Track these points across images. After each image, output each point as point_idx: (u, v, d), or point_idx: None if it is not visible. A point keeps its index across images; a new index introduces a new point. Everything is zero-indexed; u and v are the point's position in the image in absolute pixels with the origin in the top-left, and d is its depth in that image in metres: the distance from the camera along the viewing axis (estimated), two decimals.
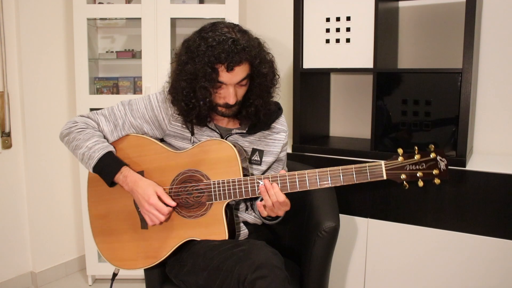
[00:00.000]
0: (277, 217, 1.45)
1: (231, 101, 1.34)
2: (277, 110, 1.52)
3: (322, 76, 2.26)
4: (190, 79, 1.33)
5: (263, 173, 1.52)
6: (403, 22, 2.16)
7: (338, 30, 1.94)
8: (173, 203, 1.37)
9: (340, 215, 1.56)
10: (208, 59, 1.28)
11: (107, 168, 1.39)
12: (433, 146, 1.27)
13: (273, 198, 1.31)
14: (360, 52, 1.90)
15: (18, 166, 2.38)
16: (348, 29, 1.92)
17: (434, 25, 2.09)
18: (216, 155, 1.38)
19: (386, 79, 1.87)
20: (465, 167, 1.71)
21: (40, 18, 2.35)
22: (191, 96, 1.35)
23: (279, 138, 1.52)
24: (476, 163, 1.80)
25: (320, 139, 2.27)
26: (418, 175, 1.27)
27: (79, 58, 2.29)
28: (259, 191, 1.33)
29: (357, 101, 2.29)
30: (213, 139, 1.39)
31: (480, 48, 1.99)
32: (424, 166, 1.27)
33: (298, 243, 1.67)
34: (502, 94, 1.97)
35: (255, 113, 1.41)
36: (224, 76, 1.30)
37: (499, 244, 1.67)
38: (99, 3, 2.39)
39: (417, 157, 1.27)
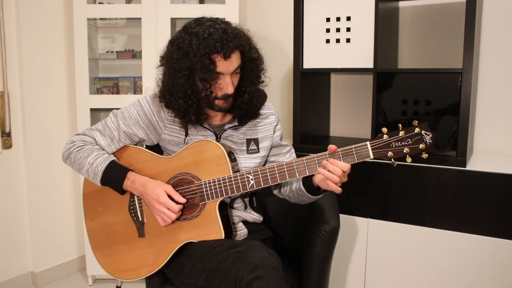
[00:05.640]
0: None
1: (230, 90, 1.35)
2: (262, 97, 1.53)
3: (322, 76, 2.26)
4: (187, 75, 1.33)
5: (265, 161, 1.54)
6: (403, 22, 2.16)
7: (338, 30, 1.94)
8: (183, 200, 1.37)
9: (340, 215, 1.56)
10: (204, 51, 1.29)
11: (114, 178, 1.41)
12: (416, 121, 1.27)
13: (338, 172, 1.27)
14: (360, 52, 1.90)
15: (18, 166, 2.38)
16: (348, 29, 1.92)
17: (434, 25, 2.09)
18: (204, 155, 1.38)
19: (386, 79, 1.87)
20: (465, 167, 1.71)
21: (40, 18, 2.35)
22: (189, 93, 1.36)
23: (269, 122, 1.53)
24: (476, 163, 1.80)
25: (320, 139, 2.27)
26: (404, 151, 1.27)
27: (79, 58, 2.29)
28: (317, 170, 1.30)
29: (357, 101, 2.29)
30: (200, 141, 1.40)
31: (480, 48, 1.98)
32: (410, 142, 1.27)
33: (298, 243, 1.67)
34: (502, 94, 1.97)
35: (249, 100, 1.43)
36: (221, 65, 1.32)
37: (499, 244, 1.67)
38: (99, 3, 2.39)
39: (401, 133, 1.27)
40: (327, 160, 1.30)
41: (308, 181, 1.41)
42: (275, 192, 1.59)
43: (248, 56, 1.39)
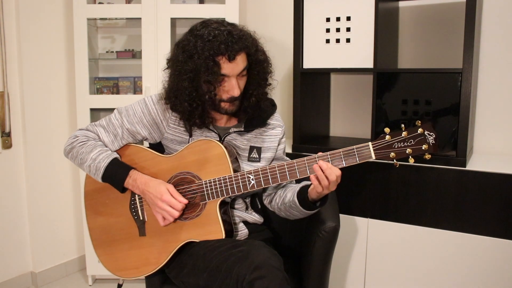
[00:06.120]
0: (325, 200, 1.41)
1: (236, 92, 1.34)
2: (272, 107, 1.52)
3: (322, 76, 2.26)
4: (191, 77, 1.33)
5: None
6: (403, 22, 2.16)
7: (338, 30, 1.94)
8: (185, 201, 1.37)
9: (340, 215, 1.56)
10: (208, 53, 1.28)
11: (115, 175, 1.40)
12: (419, 121, 1.25)
13: (332, 177, 1.26)
14: (360, 52, 1.90)
15: (18, 166, 2.38)
16: (348, 29, 1.92)
17: (434, 25, 2.09)
18: (204, 154, 1.38)
19: (386, 79, 1.87)
20: (465, 167, 1.71)
21: (40, 18, 2.35)
22: (194, 96, 1.35)
23: (275, 133, 1.52)
24: (476, 163, 1.80)
25: (320, 139, 2.27)
26: (407, 151, 1.25)
27: (79, 58, 2.29)
28: (312, 173, 1.29)
29: (357, 101, 2.29)
30: (201, 140, 1.40)
31: (480, 48, 1.98)
32: (412, 142, 1.25)
33: (298, 243, 1.67)
34: (502, 94, 1.97)
35: (256, 103, 1.42)
36: (226, 67, 1.31)
37: (499, 244, 1.67)
38: (99, 3, 2.39)
39: (404, 134, 1.25)
40: (329, 161, 1.29)
41: (303, 195, 1.40)
42: (265, 202, 1.58)
43: (255, 58, 1.38)
